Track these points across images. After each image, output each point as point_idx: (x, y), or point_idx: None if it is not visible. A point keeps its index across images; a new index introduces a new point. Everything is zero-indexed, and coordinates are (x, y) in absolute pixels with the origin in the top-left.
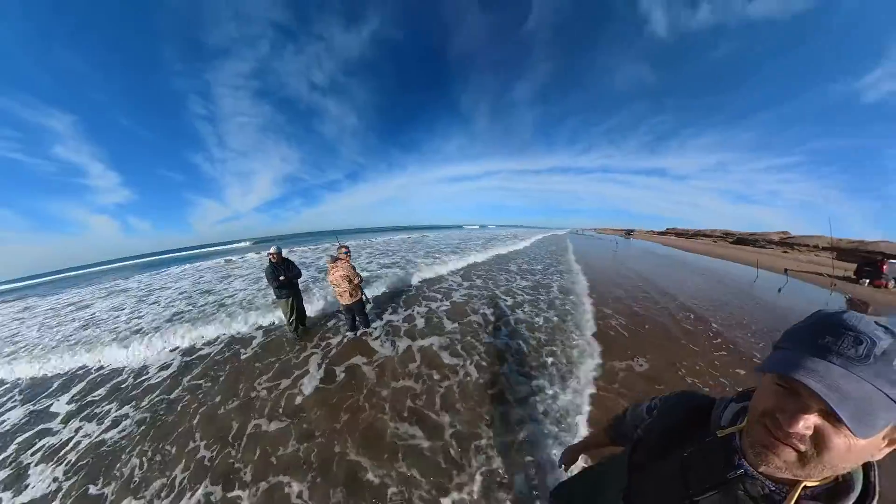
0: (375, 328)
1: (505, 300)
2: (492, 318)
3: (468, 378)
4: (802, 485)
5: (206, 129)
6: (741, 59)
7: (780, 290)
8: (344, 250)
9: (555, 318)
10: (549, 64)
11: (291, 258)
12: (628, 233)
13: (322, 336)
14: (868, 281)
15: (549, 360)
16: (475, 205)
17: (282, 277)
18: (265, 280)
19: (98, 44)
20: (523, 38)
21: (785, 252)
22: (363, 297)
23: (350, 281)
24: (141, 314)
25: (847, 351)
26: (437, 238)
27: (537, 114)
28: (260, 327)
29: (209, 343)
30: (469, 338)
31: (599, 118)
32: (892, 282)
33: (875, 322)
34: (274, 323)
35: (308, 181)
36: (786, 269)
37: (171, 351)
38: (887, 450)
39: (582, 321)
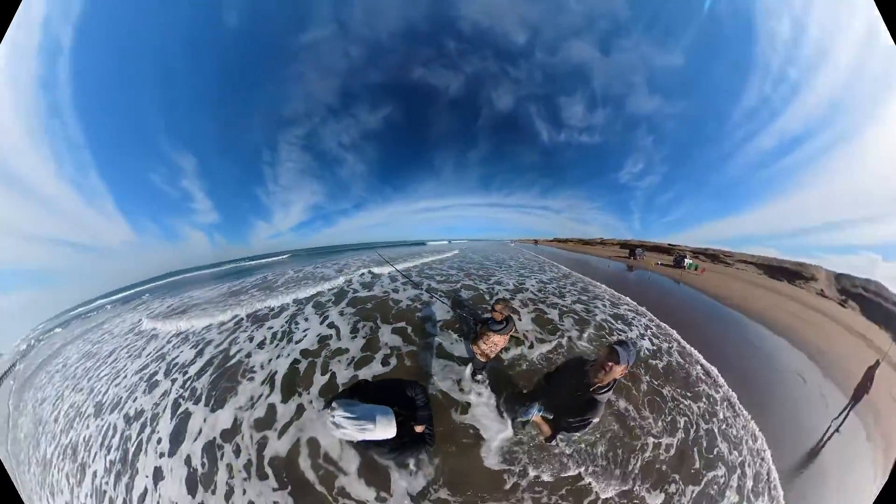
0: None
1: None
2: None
3: None
4: (597, 384)
5: (268, 171)
6: None
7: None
8: (506, 309)
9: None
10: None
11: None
12: (536, 241)
13: None
14: (633, 256)
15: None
16: (437, 227)
17: None
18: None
19: (230, 109)
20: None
21: (604, 247)
22: None
23: None
24: None
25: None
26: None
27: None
28: None
29: None
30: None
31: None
32: (639, 257)
33: (633, 340)
34: None
35: (328, 208)
36: (609, 257)
37: None
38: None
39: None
